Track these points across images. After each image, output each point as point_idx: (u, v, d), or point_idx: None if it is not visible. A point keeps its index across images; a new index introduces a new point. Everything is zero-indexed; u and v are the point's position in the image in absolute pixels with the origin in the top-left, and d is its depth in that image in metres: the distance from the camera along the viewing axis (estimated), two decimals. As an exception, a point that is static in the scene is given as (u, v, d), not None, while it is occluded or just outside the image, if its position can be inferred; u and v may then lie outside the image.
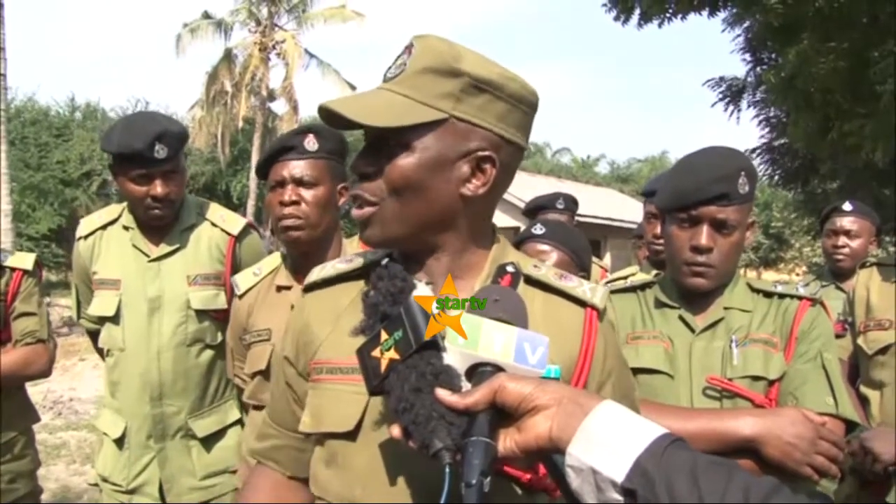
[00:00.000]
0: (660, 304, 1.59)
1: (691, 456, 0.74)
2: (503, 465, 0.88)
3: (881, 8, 5.85)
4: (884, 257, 2.35)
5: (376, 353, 0.88)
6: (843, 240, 3.22)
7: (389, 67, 1.03)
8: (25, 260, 2.44)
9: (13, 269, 2.40)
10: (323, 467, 1.04)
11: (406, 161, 0.97)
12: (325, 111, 0.99)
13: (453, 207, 1.01)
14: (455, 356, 0.86)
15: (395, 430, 0.85)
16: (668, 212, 1.56)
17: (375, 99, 0.99)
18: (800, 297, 1.54)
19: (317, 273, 1.15)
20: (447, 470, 0.79)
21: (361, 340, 0.93)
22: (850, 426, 1.46)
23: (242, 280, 2.09)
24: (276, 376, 1.18)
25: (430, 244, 1.03)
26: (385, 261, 1.05)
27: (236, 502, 2.11)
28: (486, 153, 1.00)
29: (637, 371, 1.52)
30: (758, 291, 1.57)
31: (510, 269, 1.05)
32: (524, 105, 1.03)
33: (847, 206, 3.28)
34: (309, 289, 1.15)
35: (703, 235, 1.48)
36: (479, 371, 0.85)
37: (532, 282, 1.06)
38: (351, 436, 1.00)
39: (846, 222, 3.23)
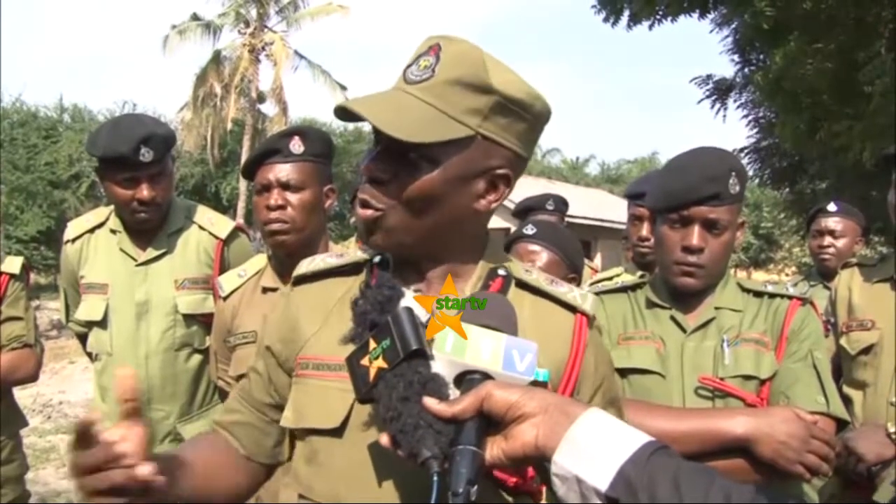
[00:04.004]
0: (651, 305, 1.60)
1: (674, 462, 0.74)
2: (490, 469, 0.87)
3: (868, 9, 5.89)
4: (866, 257, 2.35)
5: (365, 361, 0.88)
6: (828, 240, 3.27)
7: (410, 66, 0.98)
8: (12, 264, 2.42)
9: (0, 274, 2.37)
10: (304, 464, 1.03)
11: (429, 176, 0.94)
12: (343, 110, 0.94)
13: (463, 220, 1.00)
14: (443, 364, 0.85)
15: (384, 439, 0.85)
16: (659, 212, 1.56)
17: (402, 106, 0.94)
18: (790, 297, 1.55)
19: (306, 266, 1.12)
20: (435, 479, 0.79)
21: (351, 343, 0.93)
22: (841, 425, 1.47)
23: (227, 282, 2.08)
24: (257, 358, 1.15)
25: (431, 251, 1.02)
26: (377, 259, 1.05)
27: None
28: (504, 171, 0.99)
29: (629, 371, 1.53)
30: (748, 291, 1.58)
31: (501, 272, 1.04)
32: (541, 124, 1.02)
33: (832, 207, 3.33)
34: (298, 282, 1.12)
35: (695, 235, 1.49)
36: (468, 379, 0.85)
37: (523, 285, 1.05)
38: (337, 433, 0.98)
39: (831, 222, 3.27)
